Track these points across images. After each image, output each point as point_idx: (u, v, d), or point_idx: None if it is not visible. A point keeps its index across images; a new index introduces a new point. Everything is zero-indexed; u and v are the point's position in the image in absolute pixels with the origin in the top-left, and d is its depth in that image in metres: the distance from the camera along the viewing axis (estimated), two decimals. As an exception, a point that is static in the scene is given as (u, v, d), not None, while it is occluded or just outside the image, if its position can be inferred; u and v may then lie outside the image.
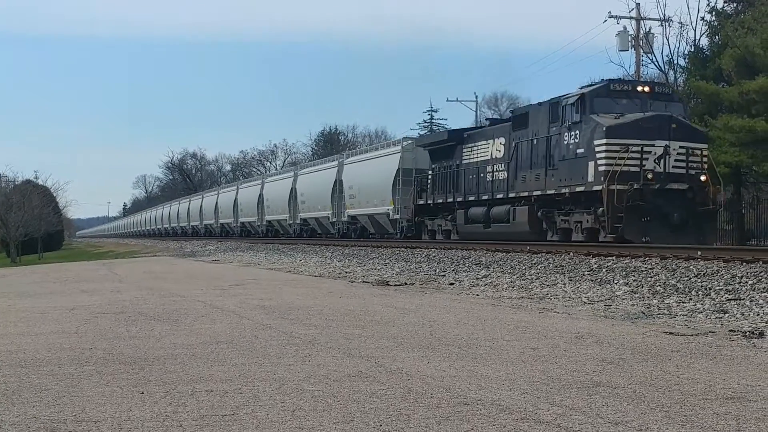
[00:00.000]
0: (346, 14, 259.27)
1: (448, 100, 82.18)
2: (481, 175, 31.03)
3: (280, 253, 36.19)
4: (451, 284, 16.85)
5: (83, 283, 19.42)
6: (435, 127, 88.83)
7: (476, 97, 75.57)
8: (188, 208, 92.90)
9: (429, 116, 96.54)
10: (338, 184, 48.21)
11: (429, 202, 35.68)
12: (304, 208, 54.56)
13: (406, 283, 17.17)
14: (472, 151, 32.29)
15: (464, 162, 32.65)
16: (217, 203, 79.21)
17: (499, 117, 66.46)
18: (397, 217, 40.15)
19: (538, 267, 19.22)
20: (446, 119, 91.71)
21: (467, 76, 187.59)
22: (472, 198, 31.47)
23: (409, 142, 40.37)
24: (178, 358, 7.50)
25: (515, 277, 17.61)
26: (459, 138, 33.81)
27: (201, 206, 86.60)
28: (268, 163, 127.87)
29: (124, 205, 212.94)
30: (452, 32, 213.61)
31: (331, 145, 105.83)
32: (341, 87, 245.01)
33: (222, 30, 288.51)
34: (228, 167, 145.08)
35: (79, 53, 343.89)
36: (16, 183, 79.22)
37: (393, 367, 6.96)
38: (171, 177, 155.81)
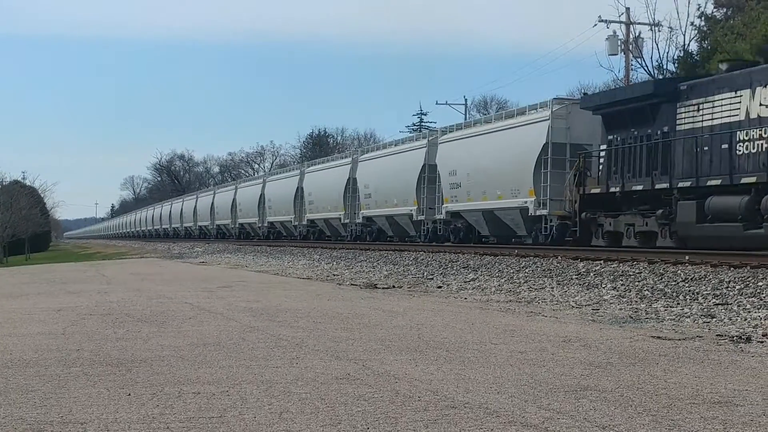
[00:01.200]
0: (335, 16, 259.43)
1: (437, 103, 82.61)
2: (724, 146, 20.73)
3: (268, 255, 36.15)
4: (439, 287, 16.85)
5: (70, 285, 19.35)
6: (425, 130, 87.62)
7: (465, 100, 75.71)
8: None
9: (419, 119, 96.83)
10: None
11: (612, 190, 24.36)
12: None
13: (394, 286, 17.16)
14: (699, 110, 21.80)
15: (683, 127, 22.33)
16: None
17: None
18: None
19: (526, 271, 19.24)
20: (435, 122, 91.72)
21: (457, 80, 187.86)
22: (714, 182, 20.84)
23: (563, 105, 28.37)
24: (165, 359, 7.47)
25: (503, 280, 17.62)
26: (669, 92, 23.00)
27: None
28: (257, 165, 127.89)
29: (112, 207, 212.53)
30: (442, 35, 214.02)
31: (320, 147, 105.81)
32: (330, 89, 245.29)
33: (210, 31, 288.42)
34: (216, 169, 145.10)
35: (67, 54, 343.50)
36: (4, 183, 79.03)
37: (380, 369, 6.95)
38: (159, 178, 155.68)
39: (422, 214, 36.44)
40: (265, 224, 60.62)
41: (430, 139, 37.25)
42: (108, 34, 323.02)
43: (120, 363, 7.30)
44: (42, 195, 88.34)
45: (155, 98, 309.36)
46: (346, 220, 45.13)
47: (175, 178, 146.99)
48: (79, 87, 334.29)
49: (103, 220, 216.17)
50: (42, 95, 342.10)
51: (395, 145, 42.18)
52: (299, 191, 53.23)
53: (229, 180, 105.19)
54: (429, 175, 35.96)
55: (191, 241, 69.79)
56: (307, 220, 51.54)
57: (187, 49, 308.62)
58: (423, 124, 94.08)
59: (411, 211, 37.19)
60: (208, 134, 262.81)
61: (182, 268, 27.95)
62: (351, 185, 44.45)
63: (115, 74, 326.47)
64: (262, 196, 61.52)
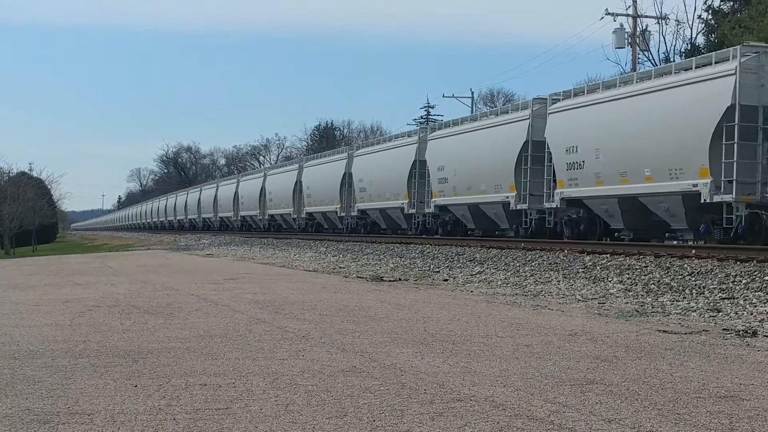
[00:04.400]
0: (342, 8, 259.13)
1: (444, 96, 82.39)
2: None
3: (274, 247, 36.17)
4: (446, 280, 16.85)
5: (77, 276, 19.39)
6: (432, 123, 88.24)
7: (472, 93, 75.62)
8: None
9: (425, 111, 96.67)
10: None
11: None
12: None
13: (400, 279, 17.16)
14: None
15: None
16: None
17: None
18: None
19: (533, 264, 19.23)
20: (442, 115, 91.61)
21: (464, 72, 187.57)
22: None
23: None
24: (171, 351, 7.49)
25: (509, 273, 17.61)
26: None
27: (199, 199, 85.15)
28: (262, 157, 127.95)
29: (119, 198, 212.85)
30: (450, 28, 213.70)
31: (327, 140, 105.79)
32: (337, 82, 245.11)
33: (216, 24, 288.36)
34: (222, 161, 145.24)
35: (76, 46, 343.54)
36: (11, 175, 79.14)
37: (387, 362, 6.95)
38: (166, 170, 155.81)
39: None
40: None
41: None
42: (115, 25, 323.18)
43: (127, 354, 7.31)
44: (49, 186, 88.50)
45: (162, 90, 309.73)
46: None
47: (181, 170, 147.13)
48: (86, 79, 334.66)
49: (109, 211, 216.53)
50: (49, 87, 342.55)
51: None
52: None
53: (235, 172, 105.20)
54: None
55: (197, 233, 69.94)
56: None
57: (194, 42, 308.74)
58: (430, 117, 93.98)
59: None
60: (214, 126, 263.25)
61: (188, 260, 27.98)
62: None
63: (122, 66, 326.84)
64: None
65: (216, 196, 78.16)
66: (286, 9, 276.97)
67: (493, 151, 30.51)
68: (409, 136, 40.85)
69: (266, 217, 61.64)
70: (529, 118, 28.64)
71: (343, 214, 46.23)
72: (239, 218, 69.61)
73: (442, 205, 34.71)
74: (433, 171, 35.32)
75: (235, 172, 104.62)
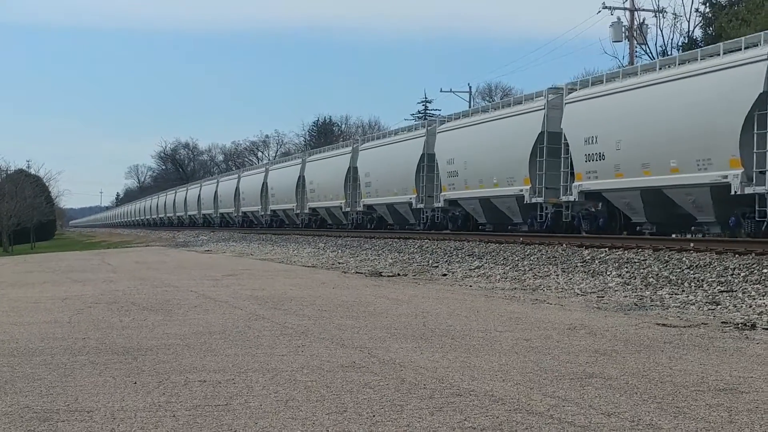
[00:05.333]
0: (338, 4, 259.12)
1: (441, 91, 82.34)
2: None
3: (272, 243, 36.18)
4: (444, 275, 16.86)
5: (76, 273, 19.39)
6: (430, 117, 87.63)
7: (470, 87, 75.67)
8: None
9: (423, 107, 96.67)
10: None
11: None
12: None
13: (399, 274, 17.17)
14: None
15: None
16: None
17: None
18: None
19: (531, 258, 19.24)
20: (440, 110, 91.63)
21: (461, 67, 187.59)
22: None
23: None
24: (171, 348, 7.49)
25: (508, 268, 17.62)
26: None
27: (199, 195, 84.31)
28: (261, 153, 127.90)
29: (117, 195, 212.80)
30: (447, 23, 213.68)
31: (325, 135, 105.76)
32: (334, 78, 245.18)
33: (215, 21, 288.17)
34: (221, 157, 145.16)
35: (73, 43, 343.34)
36: (9, 172, 79.04)
37: (386, 357, 6.96)
38: (164, 167, 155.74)
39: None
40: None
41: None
42: (112, 23, 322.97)
43: (126, 351, 7.32)
44: (47, 184, 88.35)
45: (160, 87, 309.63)
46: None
47: (179, 167, 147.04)
48: (82, 76, 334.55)
49: (107, 208, 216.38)
50: (46, 84, 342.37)
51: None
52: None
53: (234, 168, 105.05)
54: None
55: (196, 230, 69.77)
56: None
57: (191, 38, 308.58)
58: (428, 111, 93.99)
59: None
60: (212, 123, 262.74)
61: (187, 257, 27.98)
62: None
63: (119, 63, 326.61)
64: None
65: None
66: (283, 5, 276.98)
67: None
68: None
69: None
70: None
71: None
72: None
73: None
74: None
75: (234, 168, 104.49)
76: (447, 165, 33.83)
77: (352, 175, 44.23)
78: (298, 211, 53.46)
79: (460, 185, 32.85)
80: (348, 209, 44.85)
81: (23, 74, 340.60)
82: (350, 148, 46.24)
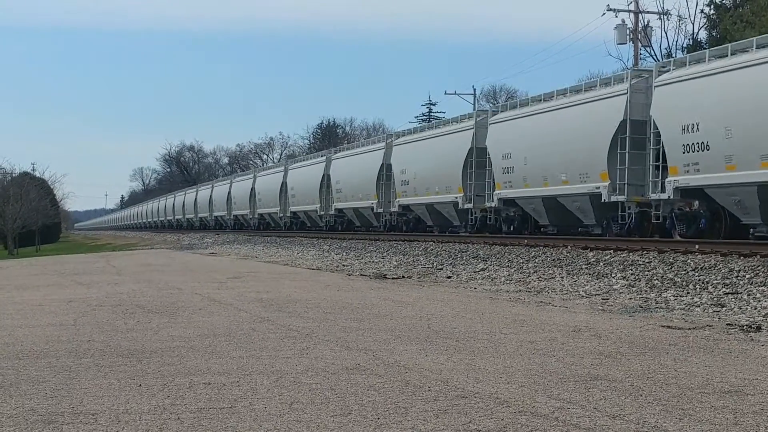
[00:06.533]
0: (343, 6, 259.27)
1: (446, 93, 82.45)
2: None
3: (277, 246, 36.18)
4: (449, 277, 16.85)
5: (81, 276, 19.40)
6: (434, 119, 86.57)
7: (474, 90, 75.61)
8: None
9: (427, 109, 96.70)
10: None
11: None
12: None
13: (403, 277, 17.16)
14: None
15: None
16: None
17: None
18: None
19: (536, 260, 19.23)
20: (444, 112, 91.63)
21: (465, 70, 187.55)
22: None
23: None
24: (175, 350, 7.49)
25: (513, 270, 17.61)
26: None
27: (196, 199, 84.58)
28: (265, 156, 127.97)
29: (122, 198, 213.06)
30: (451, 25, 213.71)
31: (329, 138, 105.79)
32: (338, 80, 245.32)
33: (220, 23, 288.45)
34: (225, 160, 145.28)
35: (77, 46, 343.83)
36: (14, 175, 79.17)
37: (390, 360, 6.96)
38: (168, 169, 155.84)
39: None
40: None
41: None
42: (117, 24, 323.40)
43: (130, 354, 7.32)
44: (52, 186, 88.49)
45: (165, 89, 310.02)
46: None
47: (184, 169, 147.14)
48: (88, 78, 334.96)
49: (112, 211, 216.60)
50: (51, 87, 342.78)
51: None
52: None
53: (238, 171, 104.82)
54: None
55: (201, 232, 69.73)
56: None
57: (196, 40, 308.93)
58: (432, 114, 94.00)
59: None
60: (217, 125, 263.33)
61: (192, 259, 27.99)
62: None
63: (124, 66, 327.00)
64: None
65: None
66: (288, 7, 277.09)
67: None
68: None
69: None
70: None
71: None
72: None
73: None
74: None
75: (238, 171, 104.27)
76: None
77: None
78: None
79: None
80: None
81: (27, 76, 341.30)
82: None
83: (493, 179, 31.00)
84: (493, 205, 31.10)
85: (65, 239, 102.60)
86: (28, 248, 68.89)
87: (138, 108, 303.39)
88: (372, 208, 42.40)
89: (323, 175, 49.05)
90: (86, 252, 48.72)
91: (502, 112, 31.88)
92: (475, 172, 32.23)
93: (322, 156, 52.59)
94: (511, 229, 30.47)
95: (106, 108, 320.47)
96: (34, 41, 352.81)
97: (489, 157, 31.36)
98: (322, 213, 49.26)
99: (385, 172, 41.00)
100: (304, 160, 59.43)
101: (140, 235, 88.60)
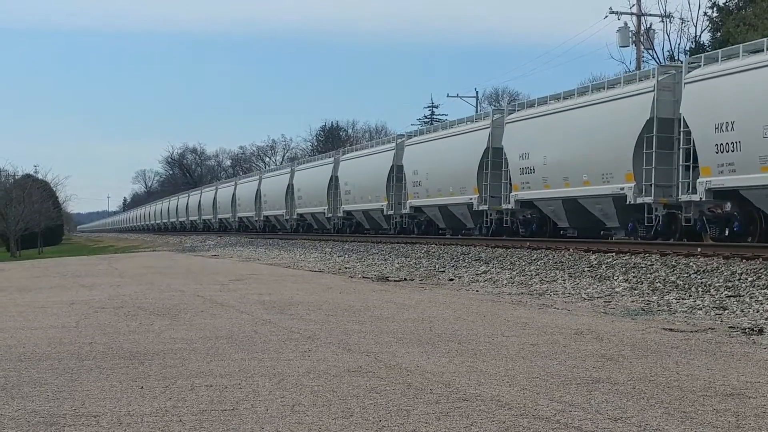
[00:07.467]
0: (345, 9, 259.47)
1: (448, 96, 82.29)
2: None
3: (279, 248, 36.18)
4: (451, 280, 16.84)
5: (83, 278, 19.41)
6: (437, 122, 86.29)
7: (476, 92, 75.63)
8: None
9: (430, 111, 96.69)
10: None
11: None
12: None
13: (405, 279, 17.16)
14: None
15: None
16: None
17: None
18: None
19: (538, 263, 19.23)
20: (446, 114, 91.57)
21: (467, 72, 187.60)
22: None
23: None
24: (177, 352, 7.50)
25: (515, 273, 17.61)
26: None
27: (199, 201, 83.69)
28: (268, 158, 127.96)
29: (124, 200, 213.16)
30: (452, 28, 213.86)
31: (332, 140, 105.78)
32: (341, 83, 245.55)
33: (222, 24, 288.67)
34: (228, 162, 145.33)
35: (79, 47, 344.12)
36: (16, 177, 79.19)
37: (392, 362, 6.96)
38: (171, 172, 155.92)
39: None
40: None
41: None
42: (118, 26, 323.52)
43: (132, 356, 7.32)
44: (54, 188, 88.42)
45: (167, 92, 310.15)
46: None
47: (186, 172, 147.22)
48: (89, 80, 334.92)
49: (115, 213, 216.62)
50: (53, 89, 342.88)
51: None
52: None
53: (241, 173, 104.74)
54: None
55: (203, 234, 69.69)
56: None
57: (197, 42, 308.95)
58: (434, 116, 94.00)
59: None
60: (219, 127, 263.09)
61: (194, 262, 28.00)
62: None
63: (126, 68, 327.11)
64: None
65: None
66: (289, 10, 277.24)
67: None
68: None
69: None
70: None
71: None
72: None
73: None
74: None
75: (240, 174, 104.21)
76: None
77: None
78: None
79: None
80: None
81: (29, 78, 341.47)
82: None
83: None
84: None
85: (68, 241, 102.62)
86: (31, 250, 68.87)
87: (140, 110, 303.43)
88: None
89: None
90: (88, 254, 48.75)
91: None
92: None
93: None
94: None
95: (108, 110, 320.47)
96: (36, 43, 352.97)
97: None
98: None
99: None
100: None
101: (143, 237, 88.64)
